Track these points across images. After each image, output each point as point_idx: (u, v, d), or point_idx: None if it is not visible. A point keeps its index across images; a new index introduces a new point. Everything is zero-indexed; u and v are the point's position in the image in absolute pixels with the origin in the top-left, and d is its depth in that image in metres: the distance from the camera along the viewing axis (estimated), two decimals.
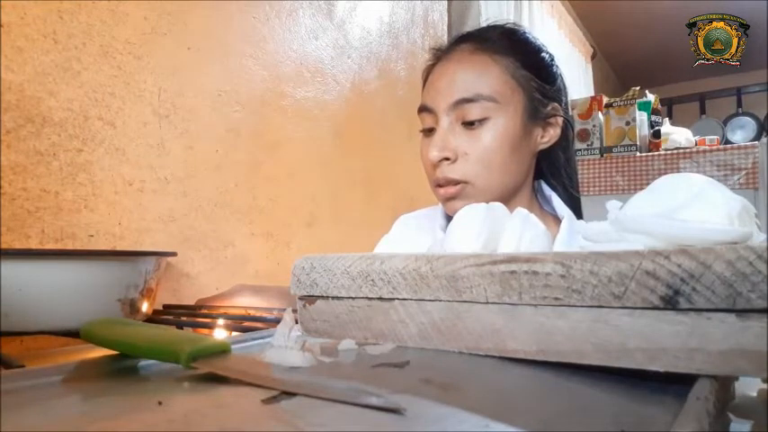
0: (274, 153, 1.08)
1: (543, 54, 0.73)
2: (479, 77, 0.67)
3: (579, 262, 0.26)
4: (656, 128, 2.00)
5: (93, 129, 0.76)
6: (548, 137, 0.71)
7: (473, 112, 0.66)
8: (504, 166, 0.67)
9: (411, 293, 0.32)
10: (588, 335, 0.26)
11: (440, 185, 0.69)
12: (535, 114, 0.68)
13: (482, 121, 0.66)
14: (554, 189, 0.76)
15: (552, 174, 0.76)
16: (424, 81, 0.75)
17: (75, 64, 0.74)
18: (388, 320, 0.34)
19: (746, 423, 0.24)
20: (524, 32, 0.74)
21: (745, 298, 0.22)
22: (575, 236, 0.67)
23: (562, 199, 0.75)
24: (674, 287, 0.24)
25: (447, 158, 0.67)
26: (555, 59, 0.74)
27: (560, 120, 0.71)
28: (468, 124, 0.66)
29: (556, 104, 0.70)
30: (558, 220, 0.73)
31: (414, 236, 0.79)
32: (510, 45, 0.69)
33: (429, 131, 0.70)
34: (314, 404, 0.22)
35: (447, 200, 0.69)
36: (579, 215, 0.77)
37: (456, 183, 0.67)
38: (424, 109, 0.71)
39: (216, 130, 0.96)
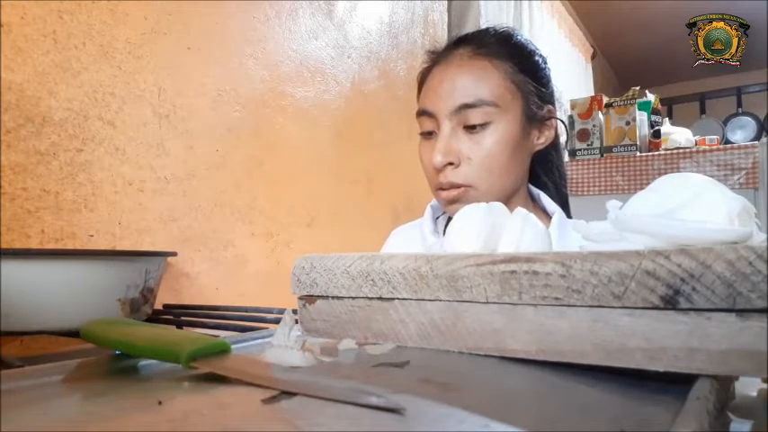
0: (274, 153, 1.08)
1: (537, 57, 0.74)
2: (480, 83, 0.67)
3: (579, 262, 0.26)
4: (656, 128, 2.00)
5: (92, 129, 0.76)
6: (543, 138, 0.72)
7: (475, 116, 0.66)
8: (505, 170, 0.68)
9: (411, 293, 0.32)
10: (588, 335, 0.26)
11: (442, 189, 0.69)
12: (532, 117, 0.70)
13: (484, 125, 0.66)
14: (546, 187, 0.77)
15: (546, 173, 0.78)
16: (420, 84, 0.75)
17: (74, 64, 0.74)
18: (388, 320, 0.34)
19: (746, 423, 0.24)
20: (519, 35, 0.74)
21: (745, 298, 0.22)
22: (565, 232, 0.68)
23: (553, 196, 0.76)
24: (674, 287, 0.24)
25: (451, 163, 0.67)
26: (547, 61, 0.75)
27: (554, 121, 0.73)
28: (470, 128, 0.67)
29: (551, 107, 0.72)
30: (547, 216, 0.74)
31: (406, 246, 0.80)
32: (507, 49, 0.70)
33: (428, 135, 0.71)
34: (314, 404, 0.22)
35: (449, 203, 0.70)
36: (568, 211, 0.78)
37: (459, 186, 0.68)
38: (423, 113, 0.71)
39: (216, 130, 0.96)
